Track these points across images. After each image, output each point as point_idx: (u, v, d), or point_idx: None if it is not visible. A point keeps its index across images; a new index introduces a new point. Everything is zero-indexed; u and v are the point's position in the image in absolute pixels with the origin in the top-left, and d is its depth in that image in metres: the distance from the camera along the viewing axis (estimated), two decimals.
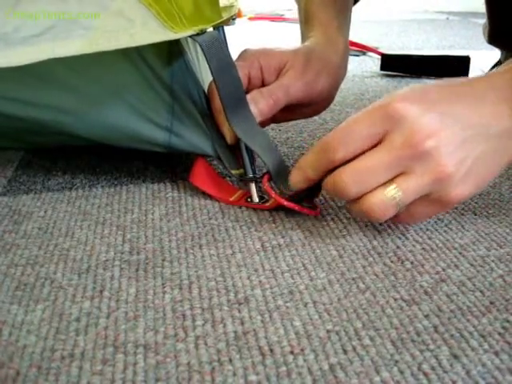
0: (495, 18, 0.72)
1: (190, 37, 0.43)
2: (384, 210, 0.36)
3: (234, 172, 0.48)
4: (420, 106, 0.35)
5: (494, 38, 0.73)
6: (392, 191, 0.36)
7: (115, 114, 0.46)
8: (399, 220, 0.40)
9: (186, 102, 0.48)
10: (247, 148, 0.47)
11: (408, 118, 0.35)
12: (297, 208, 0.43)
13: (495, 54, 0.77)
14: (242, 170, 0.48)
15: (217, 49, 0.44)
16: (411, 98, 0.36)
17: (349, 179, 0.36)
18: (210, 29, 0.46)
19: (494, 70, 0.40)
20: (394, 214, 0.37)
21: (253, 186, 0.47)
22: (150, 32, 0.40)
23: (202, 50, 0.42)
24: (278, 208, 0.46)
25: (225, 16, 0.48)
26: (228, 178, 0.52)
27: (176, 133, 0.48)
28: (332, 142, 0.37)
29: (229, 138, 0.47)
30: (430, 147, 0.34)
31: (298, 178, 0.41)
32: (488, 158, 0.36)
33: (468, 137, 0.35)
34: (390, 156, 0.35)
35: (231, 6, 0.54)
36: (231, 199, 0.48)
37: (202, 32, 0.43)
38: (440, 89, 0.37)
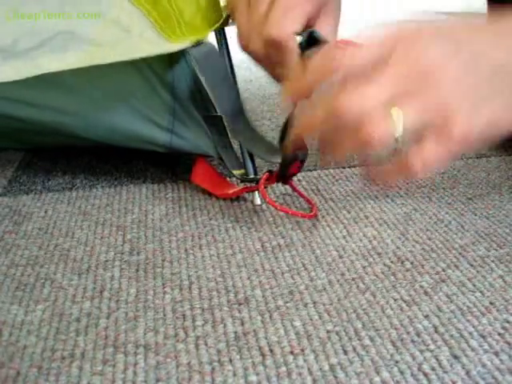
0: None
1: (185, 50, 0.43)
2: (387, 134, 0.32)
3: (235, 172, 0.49)
4: (442, 35, 0.33)
5: None
6: (394, 112, 0.32)
7: (116, 115, 0.46)
8: (416, 173, 0.34)
9: (187, 103, 0.48)
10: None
11: (421, 42, 0.32)
12: (290, 212, 0.43)
13: None
14: (243, 171, 0.48)
15: (213, 60, 0.44)
16: (432, 28, 0.34)
17: (348, 99, 0.32)
18: (212, 34, 0.46)
19: None
20: (392, 143, 0.32)
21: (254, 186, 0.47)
22: (146, 43, 0.40)
23: (196, 62, 0.42)
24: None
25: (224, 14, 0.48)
26: (229, 179, 0.52)
27: (177, 134, 0.48)
28: (337, 56, 0.33)
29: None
30: (436, 70, 0.32)
31: (292, 86, 0.36)
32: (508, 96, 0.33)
33: (484, 70, 0.33)
34: (394, 75, 0.32)
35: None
36: (230, 192, 0.48)
37: (198, 43, 0.43)
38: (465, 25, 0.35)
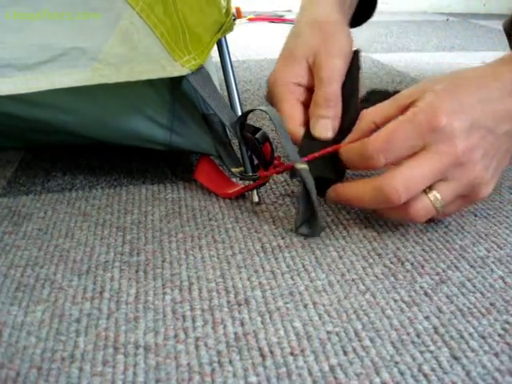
0: None
1: (185, 76, 0.44)
2: (428, 213, 0.39)
3: (234, 170, 0.49)
4: (464, 119, 0.37)
5: None
6: (434, 196, 0.38)
7: (115, 113, 0.46)
8: (433, 217, 0.42)
9: (186, 101, 0.48)
10: (246, 147, 0.47)
11: (453, 131, 0.37)
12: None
13: (495, 54, 0.78)
14: (242, 168, 0.49)
15: (206, 83, 0.46)
16: (456, 110, 0.37)
17: (400, 186, 0.37)
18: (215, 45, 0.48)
19: None
20: (432, 214, 0.39)
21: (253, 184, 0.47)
22: (150, 64, 0.41)
23: (194, 87, 0.45)
24: (279, 209, 0.46)
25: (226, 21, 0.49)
26: (234, 179, 0.52)
27: (177, 131, 0.48)
28: (373, 151, 0.38)
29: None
30: (468, 158, 0.37)
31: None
32: (506, 154, 0.40)
33: (500, 142, 0.39)
34: (435, 164, 0.37)
35: (226, 12, 0.54)
36: (230, 191, 0.48)
37: (198, 68, 0.45)
38: (476, 88, 0.39)
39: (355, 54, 0.48)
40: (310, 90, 0.46)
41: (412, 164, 0.37)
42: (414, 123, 0.37)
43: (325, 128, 0.44)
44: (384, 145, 0.37)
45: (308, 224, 0.42)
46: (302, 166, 0.40)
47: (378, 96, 0.43)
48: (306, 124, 0.45)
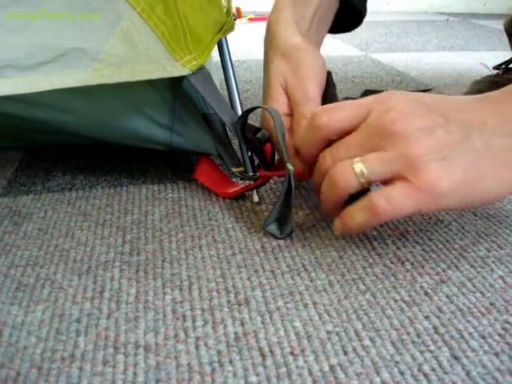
0: None
1: (185, 77, 0.44)
2: (345, 176, 0.36)
3: (234, 170, 0.49)
4: (409, 97, 0.36)
5: None
6: (357, 163, 0.35)
7: (116, 113, 0.46)
8: (379, 213, 0.35)
9: (187, 101, 0.48)
10: (247, 147, 0.47)
11: (391, 101, 0.36)
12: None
13: (495, 54, 0.77)
14: (242, 168, 0.49)
15: (207, 83, 0.46)
16: (406, 94, 0.37)
17: (326, 153, 0.38)
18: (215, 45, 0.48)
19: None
20: (357, 186, 0.36)
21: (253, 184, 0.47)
22: (151, 63, 0.41)
23: (195, 87, 0.45)
24: None
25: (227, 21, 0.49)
26: (234, 179, 0.52)
27: (177, 131, 0.48)
28: (318, 111, 0.39)
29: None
30: (400, 128, 0.35)
31: (296, 160, 0.43)
32: (488, 156, 0.34)
33: (445, 127, 0.35)
34: (363, 133, 0.36)
35: (227, 13, 0.54)
36: (230, 191, 0.48)
37: (198, 69, 0.45)
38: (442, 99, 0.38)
39: (329, 75, 0.49)
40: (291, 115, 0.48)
41: (348, 135, 0.38)
42: (362, 100, 0.38)
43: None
44: (330, 106, 0.39)
45: (278, 224, 0.42)
46: (291, 168, 0.41)
47: None
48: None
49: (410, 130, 0.34)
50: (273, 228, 0.42)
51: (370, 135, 0.36)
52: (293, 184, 0.40)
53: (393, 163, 0.35)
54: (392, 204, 0.35)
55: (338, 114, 0.38)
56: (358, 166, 0.35)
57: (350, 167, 0.35)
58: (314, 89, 0.46)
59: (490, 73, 0.76)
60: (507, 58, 0.75)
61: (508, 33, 0.75)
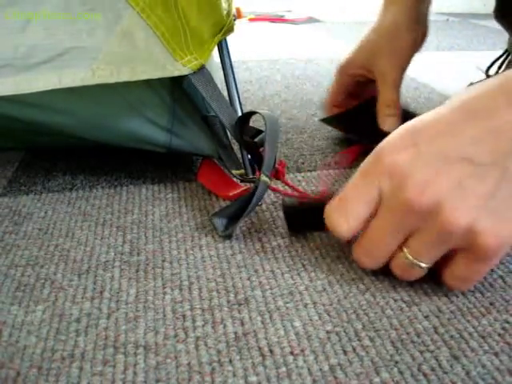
0: None
1: (186, 77, 0.44)
2: (406, 272, 0.34)
3: (234, 172, 0.49)
4: (408, 153, 0.31)
5: (501, 14, 0.71)
6: (404, 255, 0.33)
7: (115, 115, 0.46)
8: (453, 288, 0.35)
9: (186, 103, 0.48)
10: (247, 149, 0.47)
11: (397, 173, 0.31)
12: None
13: (495, 54, 0.77)
14: (242, 171, 0.49)
15: (208, 83, 0.46)
16: (399, 146, 0.32)
17: (361, 256, 0.35)
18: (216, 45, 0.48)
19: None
20: (421, 273, 0.34)
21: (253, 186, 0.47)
22: (151, 63, 0.41)
23: (195, 87, 0.45)
24: (279, 209, 0.46)
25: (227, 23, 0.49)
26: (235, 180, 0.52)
27: (177, 134, 0.48)
28: (331, 218, 0.35)
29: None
30: (428, 202, 0.30)
31: None
32: None
33: (473, 173, 0.30)
34: (390, 222, 0.33)
35: (227, 14, 0.54)
36: (231, 194, 0.48)
37: (199, 68, 0.45)
38: (436, 122, 0.32)
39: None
40: (361, 83, 0.60)
41: (370, 226, 0.34)
42: (363, 175, 0.34)
43: (393, 124, 0.55)
44: (340, 208, 0.35)
45: (224, 221, 0.42)
46: (265, 180, 0.40)
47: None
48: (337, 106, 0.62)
49: (438, 199, 0.30)
50: (217, 222, 0.42)
51: (397, 221, 0.32)
52: (258, 196, 0.40)
53: (441, 241, 0.32)
54: (465, 280, 0.34)
55: (353, 214, 0.34)
56: (408, 259, 0.33)
57: (404, 263, 0.33)
58: (401, 76, 0.57)
59: (485, 77, 0.76)
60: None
61: (498, 19, 0.74)
